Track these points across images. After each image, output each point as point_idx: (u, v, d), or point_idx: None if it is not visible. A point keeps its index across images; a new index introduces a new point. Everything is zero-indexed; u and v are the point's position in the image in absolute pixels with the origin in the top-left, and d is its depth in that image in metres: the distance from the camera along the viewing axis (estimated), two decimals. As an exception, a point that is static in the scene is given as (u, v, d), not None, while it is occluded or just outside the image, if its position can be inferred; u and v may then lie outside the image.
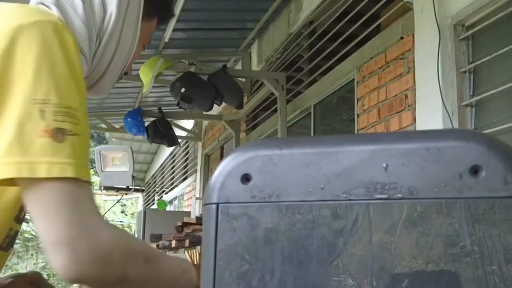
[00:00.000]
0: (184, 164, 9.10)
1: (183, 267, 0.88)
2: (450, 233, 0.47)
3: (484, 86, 2.81)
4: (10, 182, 0.74)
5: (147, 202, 12.43)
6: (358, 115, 3.76)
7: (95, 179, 8.11)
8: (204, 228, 0.52)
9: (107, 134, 12.50)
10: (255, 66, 5.76)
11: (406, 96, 3.22)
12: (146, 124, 5.86)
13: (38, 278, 1.07)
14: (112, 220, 15.79)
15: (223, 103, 5.19)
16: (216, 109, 6.06)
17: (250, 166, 0.51)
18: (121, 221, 16.49)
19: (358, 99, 3.77)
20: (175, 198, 9.78)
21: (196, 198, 7.08)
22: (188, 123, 8.17)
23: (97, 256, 0.74)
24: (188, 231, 4.70)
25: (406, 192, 0.47)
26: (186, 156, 9.03)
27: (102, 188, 7.21)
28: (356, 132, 3.75)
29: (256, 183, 0.51)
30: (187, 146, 8.93)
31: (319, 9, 4.39)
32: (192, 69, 4.90)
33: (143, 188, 12.90)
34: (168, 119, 6.01)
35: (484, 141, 0.47)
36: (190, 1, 4.41)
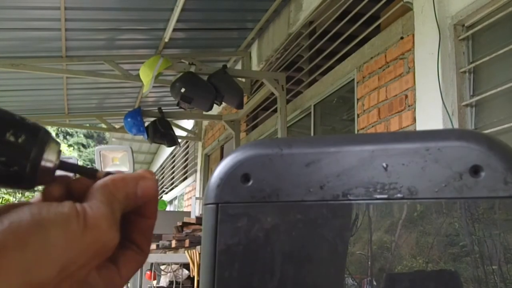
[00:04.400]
0: (184, 164, 9.10)
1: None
2: (450, 233, 0.47)
3: (484, 86, 2.81)
4: None
5: (147, 202, 12.42)
6: (358, 115, 3.76)
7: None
8: (204, 228, 0.52)
9: (107, 134, 12.49)
10: (255, 66, 5.76)
11: (406, 96, 3.22)
12: (146, 124, 5.87)
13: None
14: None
15: (223, 103, 5.19)
16: (216, 109, 6.06)
17: (250, 166, 0.51)
18: (121, 221, 16.48)
19: (358, 99, 3.77)
20: (175, 198, 9.78)
21: (196, 198, 7.08)
22: (188, 123, 8.17)
23: None
24: (188, 231, 4.70)
25: (406, 192, 0.47)
26: (186, 156, 9.03)
27: (102, 188, 7.21)
28: (356, 132, 3.75)
29: (256, 183, 0.51)
30: (187, 146, 8.93)
31: (319, 9, 4.39)
32: (192, 69, 4.90)
33: (143, 188, 12.91)
34: (168, 119, 6.01)
35: (484, 141, 0.47)
36: (190, 1, 4.42)
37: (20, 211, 0.29)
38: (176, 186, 9.58)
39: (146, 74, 4.89)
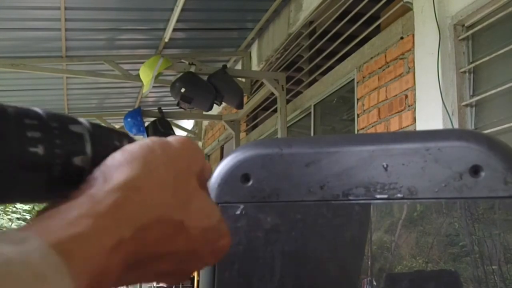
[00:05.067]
0: (184, 164, 9.09)
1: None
2: (450, 233, 0.47)
3: (484, 86, 2.81)
4: None
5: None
6: (358, 115, 3.76)
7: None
8: (204, 228, 0.52)
9: (107, 134, 12.47)
10: (255, 66, 5.75)
11: (406, 96, 3.22)
12: (146, 124, 5.86)
13: None
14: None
15: (223, 103, 5.19)
16: (216, 109, 6.05)
17: (250, 166, 0.51)
18: (121, 221, 16.50)
19: (358, 99, 3.77)
20: (175, 198, 9.78)
21: (196, 198, 7.07)
22: (188, 123, 8.17)
23: None
24: (188, 231, 4.69)
25: (406, 192, 0.47)
26: (186, 156, 9.01)
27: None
28: (356, 132, 3.75)
29: (256, 183, 0.51)
30: (187, 146, 8.91)
31: (319, 9, 4.39)
32: (192, 69, 4.90)
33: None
34: (168, 119, 6.01)
35: (484, 141, 0.47)
36: (190, 1, 4.41)
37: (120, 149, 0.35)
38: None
39: (146, 74, 4.89)
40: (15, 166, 0.30)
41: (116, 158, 0.34)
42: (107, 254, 0.29)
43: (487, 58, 2.74)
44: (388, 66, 3.43)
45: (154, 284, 5.62)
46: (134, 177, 0.33)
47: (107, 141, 0.36)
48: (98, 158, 0.34)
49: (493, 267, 0.45)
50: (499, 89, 2.66)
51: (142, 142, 0.36)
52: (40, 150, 0.31)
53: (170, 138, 0.37)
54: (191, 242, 0.36)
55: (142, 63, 5.02)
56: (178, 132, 7.23)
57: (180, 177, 0.36)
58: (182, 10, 4.42)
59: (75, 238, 0.28)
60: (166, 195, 0.34)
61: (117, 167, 0.33)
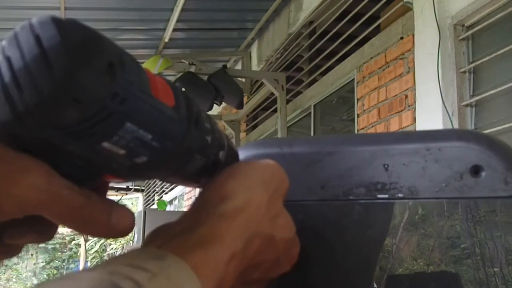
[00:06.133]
0: (184, 164, 9.08)
1: None
2: (451, 234, 0.47)
3: (484, 86, 2.81)
4: None
5: (147, 202, 12.44)
6: (358, 115, 3.76)
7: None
8: (204, 228, 0.52)
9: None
10: (255, 66, 5.76)
11: (406, 96, 3.22)
12: (146, 124, 5.86)
13: None
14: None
15: (223, 103, 5.19)
16: (216, 109, 6.06)
17: (250, 166, 0.51)
18: (121, 221, 16.47)
19: (358, 99, 3.77)
20: (175, 198, 9.78)
21: (196, 198, 7.07)
22: (188, 123, 8.17)
23: None
24: (188, 231, 4.69)
25: (407, 192, 0.47)
26: (186, 156, 9.01)
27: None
28: (356, 132, 3.75)
29: (256, 183, 0.51)
30: (187, 146, 8.91)
31: (319, 9, 4.39)
32: (192, 69, 4.90)
33: (143, 188, 12.89)
34: (168, 119, 6.01)
35: (484, 141, 0.47)
36: (190, 1, 4.42)
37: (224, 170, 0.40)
38: (176, 186, 9.58)
39: (146, 74, 4.89)
40: (194, 148, 0.36)
41: (225, 181, 0.39)
42: (225, 266, 0.34)
43: (487, 58, 2.74)
44: (388, 66, 3.43)
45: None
46: (241, 197, 0.38)
47: (230, 143, 0.41)
48: (228, 156, 0.40)
49: (495, 268, 0.45)
50: (499, 89, 2.66)
51: (240, 165, 0.41)
52: (209, 139, 0.37)
53: (262, 162, 0.42)
54: (277, 252, 0.41)
55: (142, 63, 5.02)
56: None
57: (272, 197, 0.41)
58: (182, 10, 4.43)
59: (203, 253, 0.33)
60: (262, 212, 0.39)
61: (230, 189, 0.38)
